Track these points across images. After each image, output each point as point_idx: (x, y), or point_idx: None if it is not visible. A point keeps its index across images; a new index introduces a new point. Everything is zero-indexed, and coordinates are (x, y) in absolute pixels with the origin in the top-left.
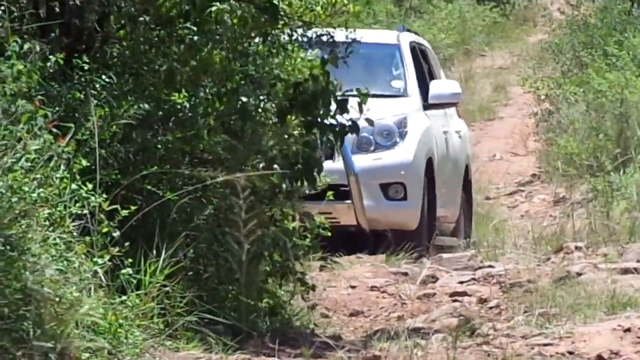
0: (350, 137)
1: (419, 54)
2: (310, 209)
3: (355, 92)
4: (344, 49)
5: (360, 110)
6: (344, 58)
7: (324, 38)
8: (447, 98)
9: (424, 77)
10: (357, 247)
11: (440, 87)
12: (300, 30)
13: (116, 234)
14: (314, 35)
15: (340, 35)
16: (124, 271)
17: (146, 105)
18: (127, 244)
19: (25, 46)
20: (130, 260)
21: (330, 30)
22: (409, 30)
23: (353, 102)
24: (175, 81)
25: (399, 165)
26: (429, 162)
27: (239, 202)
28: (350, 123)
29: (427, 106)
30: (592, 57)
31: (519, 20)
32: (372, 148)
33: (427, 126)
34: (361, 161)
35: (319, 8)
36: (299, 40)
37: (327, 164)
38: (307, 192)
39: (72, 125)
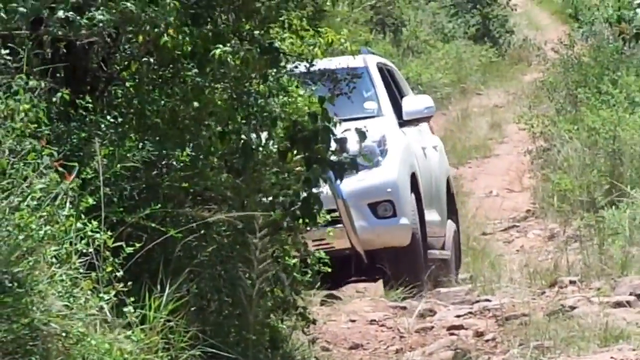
0: None
1: (386, 73)
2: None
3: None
4: (346, 85)
5: (360, 146)
6: (347, 94)
7: (326, 74)
8: (421, 113)
9: (395, 95)
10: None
11: (413, 103)
12: (302, 66)
13: (119, 273)
14: (316, 70)
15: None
16: (125, 309)
17: (150, 145)
18: (130, 282)
19: (31, 82)
20: (134, 297)
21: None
22: (373, 53)
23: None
24: (178, 121)
25: (384, 183)
26: (413, 177)
27: (253, 241)
28: (349, 160)
29: (402, 123)
30: (585, 95)
31: (514, 60)
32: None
33: (406, 143)
34: (347, 184)
35: (317, 49)
36: (301, 76)
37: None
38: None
39: (77, 164)
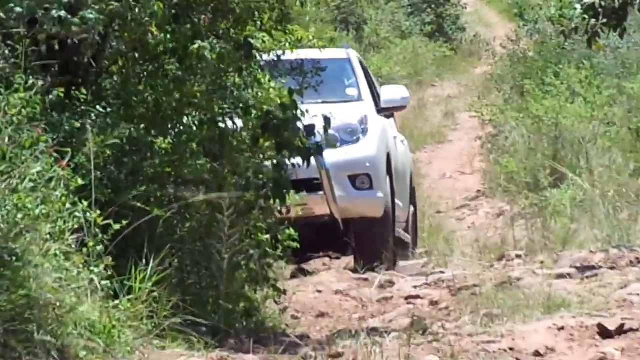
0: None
1: (364, 67)
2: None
3: (315, 101)
4: (312, 76)
5: (325, 131)
6: (314, 87)
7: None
8: (398, 102)
9: (371, 86)
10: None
11: (391, 91)
12: (275, 57)
13: (99, 247)
14: (285, 65)
15: (301, 54)
16: (103, 282)
17: (135, 133)
18: (117, 257)
19: (30, 80)
20: (120, 270)
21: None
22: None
23: (315, 107)
24: (161, 110)
25: (363, 158)
26: (388, 156)
27: (223, 219)
28: (315, 146)
29: (379, 110)
30: (530, 86)
31: (465, 54)
32: (338, 144)
33: (383, 124)
34: (330, 156)
35: (287, 45)
36: (270, 69)
37: (298, 160)
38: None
39: (70, 150)
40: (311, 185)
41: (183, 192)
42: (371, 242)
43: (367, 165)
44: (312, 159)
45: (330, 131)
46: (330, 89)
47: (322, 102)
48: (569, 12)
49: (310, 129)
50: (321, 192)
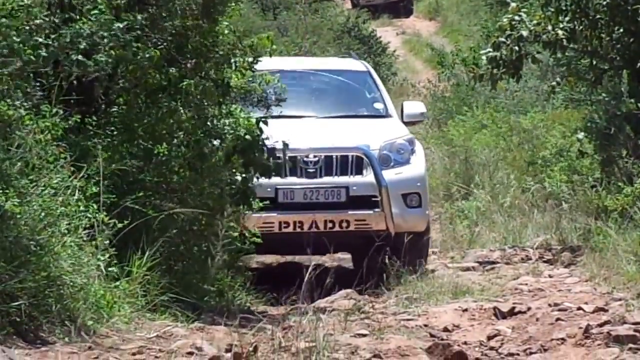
0: (375, 155)
1: None
2: (349, 216)
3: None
4: (275, 105)
5: (284, 156)
6: (275, 118)
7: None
8: (418, 117)
9: None
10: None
11: (412, 107)
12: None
13: (105, 240)
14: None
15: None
16: (111, 268)
17: (134, 151)
18: (120, 248)
19: (54, 110)
20: (122, 258)
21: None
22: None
23: (346, 121)
24: (156, 135)
25: (415, 177)
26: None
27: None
28: (273, 166)
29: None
30: (447, 120)
31: (397, 94)
32: (391, 164)
33: (420, 144)
34: (387, 175)
35: (256, 85)
36: (241, 101)
37: (358, 178)
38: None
39: (85, 164)
40: (369, 203)
41: (167, 203)
42: (414, 253)
43: (418, 185)
44: (373, 178)
45: (383, 151)
46: (357, 102)
47: (353, 115)
48: (477, 59)
49: (272, 152)
50: (379, 210)
